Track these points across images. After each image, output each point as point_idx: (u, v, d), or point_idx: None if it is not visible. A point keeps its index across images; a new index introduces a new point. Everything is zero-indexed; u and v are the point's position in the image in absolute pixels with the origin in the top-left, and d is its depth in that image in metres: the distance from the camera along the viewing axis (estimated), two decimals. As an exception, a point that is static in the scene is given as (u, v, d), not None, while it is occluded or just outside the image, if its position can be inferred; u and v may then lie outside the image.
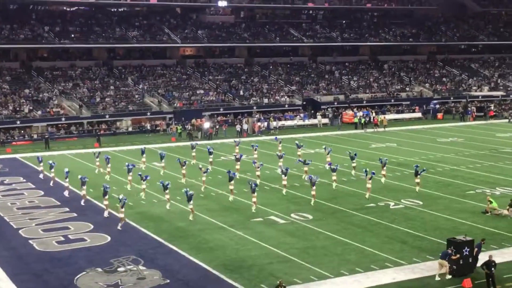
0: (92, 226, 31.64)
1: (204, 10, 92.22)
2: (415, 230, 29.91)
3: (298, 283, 23.46)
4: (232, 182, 36.56)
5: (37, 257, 27.07)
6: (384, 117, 69.95)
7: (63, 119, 67.43)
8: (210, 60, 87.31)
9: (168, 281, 23.97)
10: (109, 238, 29.55)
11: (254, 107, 75.63)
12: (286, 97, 79.74)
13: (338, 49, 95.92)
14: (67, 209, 35.12)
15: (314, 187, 35.00)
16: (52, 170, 41.70)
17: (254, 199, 34.13)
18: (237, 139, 53.57)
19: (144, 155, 47.65)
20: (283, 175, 38.34)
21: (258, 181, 38.51)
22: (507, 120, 74.22)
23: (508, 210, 32.35)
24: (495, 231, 29.72)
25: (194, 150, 49.13)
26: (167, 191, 35.08)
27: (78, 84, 75.09)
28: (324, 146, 48.07)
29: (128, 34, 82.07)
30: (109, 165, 43.90)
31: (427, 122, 74.03)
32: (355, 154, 43.35)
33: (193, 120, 67.09)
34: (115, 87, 76.06)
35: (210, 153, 46.29)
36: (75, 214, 34.07)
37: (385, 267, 25.11)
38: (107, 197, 33.72)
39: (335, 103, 79.68)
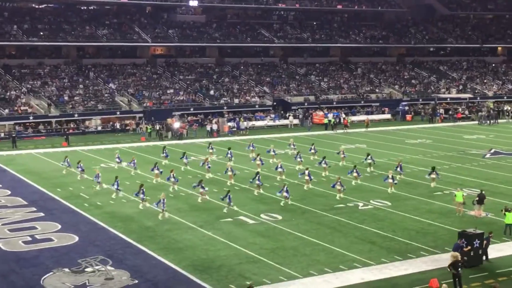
0: (59, 226, 31.30)
1: (175, 9, 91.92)
2: (384, 231, 30.13)
3: (267, 284, 23.47)
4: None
5: (3, 258, 26.67)
6: (368, 120, 70.32)
7: (31, 117, 66.59)
8: (181, 60, 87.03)
9: (137, 281, 23.80)
10: (77, 238, 29.25)
11: (225, 107, 75.55)
12: (256, 97, 79.80)
13: (309, 50, 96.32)
14: (34, 209, 34.69)
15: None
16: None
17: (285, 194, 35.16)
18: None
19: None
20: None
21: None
22: (474, 122, 75.15)
23: (474, 210, 32.77)
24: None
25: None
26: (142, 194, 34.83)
27: (47, 83, 74.28)
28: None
29: (98, 32, 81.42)
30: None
31: (396, 124, 74.67)
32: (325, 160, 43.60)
33: (168, 120, 66.77)
34: (84, 85, 75.39)
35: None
36: (42, 214, 33.66)
37: (354, 267, 25.25)
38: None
39: (306, 104, 79.99)
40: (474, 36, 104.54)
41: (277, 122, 73.05)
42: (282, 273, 24.54)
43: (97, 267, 25.25)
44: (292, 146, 51.37)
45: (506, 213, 29.30)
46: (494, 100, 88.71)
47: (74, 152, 53.95)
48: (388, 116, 79.61)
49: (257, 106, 77.80)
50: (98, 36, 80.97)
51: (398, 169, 41.30)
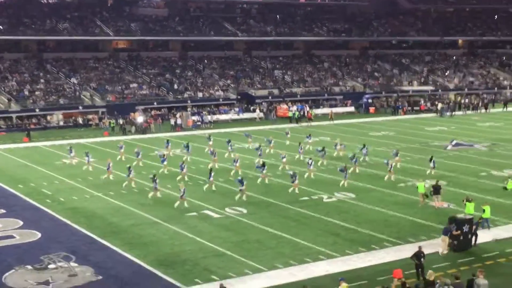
0: (21, 223, 30.84)
1: (137, 2, 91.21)
2: (348, 223, 30.33)
3: (233, 277, 23.46)
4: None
5: (-36, 256, 26.20)
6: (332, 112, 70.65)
7: (-9, 113, 65.51)
8: (144, 54, 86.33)
9: (101, 277, 23.59)
10: (39, 235, 28.85)
11: (189, 101, 75.20)
12: (220, 91, 79.62)
13: (273, 44, 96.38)
14: (-5, 206, 34.14)
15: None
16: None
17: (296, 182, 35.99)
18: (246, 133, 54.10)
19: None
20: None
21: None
22: (436, 114, 76.09)
23: (435, 201, 33.21)
24: (425, 222, 30.43)
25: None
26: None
27: (7, 77, 73.05)
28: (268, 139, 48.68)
29: (59, 26, 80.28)
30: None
31: (359, 116, 75.23)
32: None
33: (132, 114, 66.22)
34: (45, 80, 74.33)
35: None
36: (3, 211, 33.13)
37: (319, 259, 25.37)
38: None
39: (270, 97, 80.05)
40: (435, 29, 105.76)
41: (242, 116, 72.99)
42: (247, 267, 24.55)
43: (60, 264, 24.94)
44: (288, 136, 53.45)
45: (467, 203, 29.74)
46: (455, 93, 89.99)
47: (36, 147, 53.21)
48: (351, 109, 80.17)
49: (221, 99, 77.64)
50: (59, 30, 79.85)
51: (364, 150, 43.09)
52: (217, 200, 34.80)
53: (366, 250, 26.35)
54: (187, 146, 47.25)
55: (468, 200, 29.79)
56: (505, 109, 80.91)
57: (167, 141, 49.93)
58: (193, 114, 69.48)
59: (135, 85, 76.93)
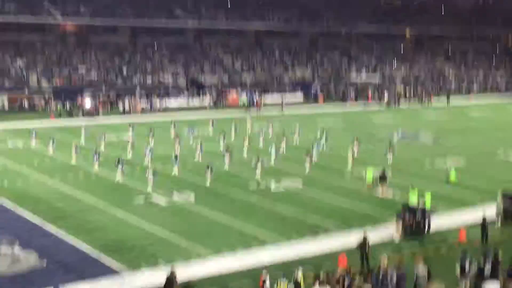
0: (-37, 208, 30.20)
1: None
2: (295, 210, 30.61)
3: (180, 263, 23.44)
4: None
5: None
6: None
7: None
8: (93, 38, 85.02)
9: (45, 263, 23.29)
10: (-19, 220, 28.32)
11: (138, 87, 74.47)
12: (170, 77, 79.12)
13: (223, 31, 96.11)
14: None
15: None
16: None
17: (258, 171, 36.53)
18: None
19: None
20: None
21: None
22: (384, 105, 77.22)
23: (380, 190, 33.83)
24: (370, 210, 30.93)
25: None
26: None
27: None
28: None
29: (5, 7, 78.27)
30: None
31: (308, 105, 75.75)
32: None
33: (80, 98, 65.28)
34: (-10, 62, 72.69)
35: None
36: None
37: (265, 245, 25.56)
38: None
39: (219, 85, 79.90)
40: (384, 21, 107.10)
41: (191, 103, 72.70)
42: (194, 253, 24.57)
43: (3, 250, 24.50)
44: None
45: (410, 191, 30.36)
46: (402, 84, 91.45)
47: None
48: (300, 98, 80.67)
49: (170, 86, 77.13)
50: (5, 11, 77.87)
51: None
52: (165, 186, 34.67)
53: (312, 237, 26.68)
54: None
55: (412, 188, 30.41)
56: (448, 101, 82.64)
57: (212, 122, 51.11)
58: (142, 99, 68.88)
59: (83, 69, 75.78)
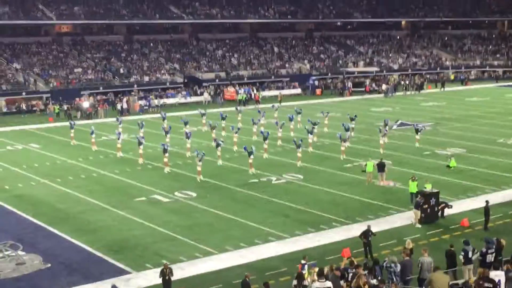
0: (-35, 212, 30.23)
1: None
2: (297, 204, 30.66)
3: (183, 261, 23.52)
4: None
5: None
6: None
7: None
8: (88, 38, 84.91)
9: (50, 265, 23.35)
10: (-16, 224, 28.35)
11: (135, 85, 74.41)
12: (167, 74, 79.05)
13: (219, 26, 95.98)
14: None
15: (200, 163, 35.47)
16: None
17: (250, 161, 36.94)
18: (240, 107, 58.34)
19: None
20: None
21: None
22: (381, 95, 77.20)
23: (380, 180, 33.88)
24: (372, 201, 31.01)
25: (72, 130, 47.76)
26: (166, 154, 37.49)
27: None
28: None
29: (-1, 10, 78.22)
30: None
31: (306, 98, 75.73)
32: (238, 129, 44.51)
33: (77, 99, 65.14)
34: (-14, 66, 72.54)
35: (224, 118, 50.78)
36: None
37: (268, 241, 25.63)
38: (167, 154, 37.31)
39: (217, 80, 79.88)
40: (380, 11, 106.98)
41: (189, 99, 72.65)
42: (198, 250, 24.64)
43: (7, 253, 24.56)
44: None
45: (410, 182, 30.41)
46: (399, 73, 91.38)
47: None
48: (298, 90, 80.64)
49: (168, 83, 77.06)
50: None
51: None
52: (166, 184, 34.71)
53: (315, 231, 26.73)
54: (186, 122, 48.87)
55: (412, 180, 30.42)
56: (442, 89, 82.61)
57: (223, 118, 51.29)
58: (139, 98, 68.79)
59: (79, 69, 75.70)
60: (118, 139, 42.49)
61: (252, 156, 36.90)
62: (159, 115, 57.73)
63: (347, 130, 45.39)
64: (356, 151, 42.60)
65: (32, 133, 51.78)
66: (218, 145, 39.42)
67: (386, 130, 45.13)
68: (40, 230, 27.47)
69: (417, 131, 44.72)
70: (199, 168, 35.46)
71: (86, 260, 23.96)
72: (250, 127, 48.33)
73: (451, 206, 28.95)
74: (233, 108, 61.52)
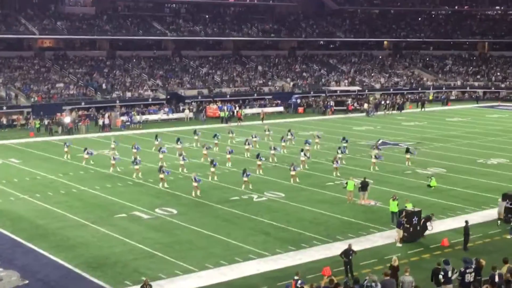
0: None
1: (63, 0, 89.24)
2: (278, 222, 30.61)
3: (163, 278, 23.35)
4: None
5: None
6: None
7: None
8: (70, 53, 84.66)
9: (27, 281, 23.05)
10: (-39, 240, 27.97)
11: (117, 101, 74.19)
12: (149, 91, 78.93)
13: (202, 43, 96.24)
14: None
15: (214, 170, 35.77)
16: None
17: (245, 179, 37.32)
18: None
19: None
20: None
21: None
22: (364, 114, 77.60)
23: (361, 199, 33.98)
24: (353, 220, 31.05)
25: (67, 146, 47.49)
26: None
27: None
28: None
29: (-19, 24, 77.88)
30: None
31: (288, 116, 75.93)
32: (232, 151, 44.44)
33: (59, 114, 64.76)
34: (-33, 79, 72.00)
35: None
36: None
37: (249, 259, 25.54)
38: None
39: (199, 97, 79.92)
40: (362, 30, 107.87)
41: (171, 116, 72.55)
42: (178, 267, 24.49)
43: (-16, 269, 24.23)
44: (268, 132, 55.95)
45: (391, 201, 30.49)
46: (381, 93, 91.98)
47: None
48: (280, 108, 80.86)
49: (150, 99, 76.95)
50: (-19, 27, 77.46)
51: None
52: (147, 201, 34.54)
53: (296, 249, 26.69)
54: (178, 140, 48.78)
55: (393, 199, 30.49)
56: (423, 109, 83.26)
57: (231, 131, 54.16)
58: (121, 114, 68.55)
59: (61, 84, 75.35)
60: (114, 159, 42.30)
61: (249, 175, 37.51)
62: (140, 131, 57.66)
63: (343, 152, 45.66)
64: (339, 169, 42.65)
65: (12, 148, 51.36)
66: (214, 165, 39.63)
67: (380, 148, 45.74)
68: (19, 246, 27.15)
69: (407, 150, 45.48)
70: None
71: (65, 277, 23.71)
72: (241, 146, 48.31)
73: (433, 215, 29.46)
74: (216, 125, 61.52)
